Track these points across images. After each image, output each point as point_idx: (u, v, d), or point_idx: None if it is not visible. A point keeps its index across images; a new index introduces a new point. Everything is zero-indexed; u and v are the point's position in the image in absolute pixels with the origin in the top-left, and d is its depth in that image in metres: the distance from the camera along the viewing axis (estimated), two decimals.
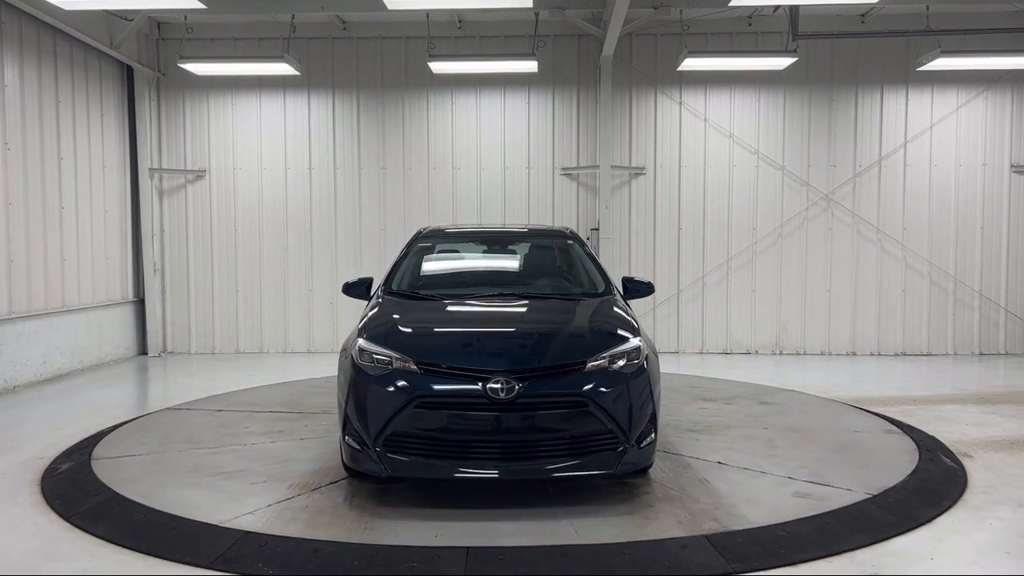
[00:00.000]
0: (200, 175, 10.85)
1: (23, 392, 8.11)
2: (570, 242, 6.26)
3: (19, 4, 8.08)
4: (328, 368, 9.28)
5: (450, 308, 5.22)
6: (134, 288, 10.73)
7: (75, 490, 4.81)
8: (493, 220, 10.76)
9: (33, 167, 8.65)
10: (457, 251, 6.37)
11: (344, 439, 4.50)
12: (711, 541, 3.94)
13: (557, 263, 6.19)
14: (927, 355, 10.66)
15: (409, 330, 4.78)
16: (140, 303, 10.76)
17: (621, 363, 4.44)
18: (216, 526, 4.15)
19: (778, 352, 10.74)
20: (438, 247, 6.21)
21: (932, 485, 4.87)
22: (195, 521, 4.22)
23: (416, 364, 4.34)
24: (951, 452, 5.64)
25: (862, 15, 10.24)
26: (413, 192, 10.81)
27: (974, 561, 3.79)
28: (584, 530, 4.11)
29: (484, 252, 6.40)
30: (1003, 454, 5.63)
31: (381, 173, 10.82)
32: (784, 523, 4.17)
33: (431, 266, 6.04)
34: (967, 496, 4.71)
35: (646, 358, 4.58)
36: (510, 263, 6.26)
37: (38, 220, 8.72)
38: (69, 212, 9.27)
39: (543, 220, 10.76)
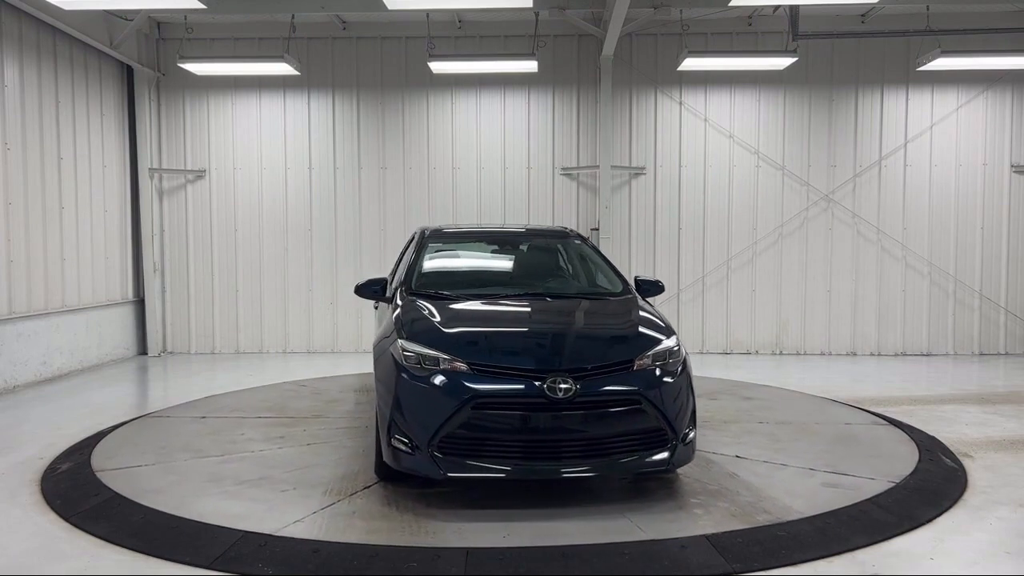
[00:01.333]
0: (200, 175, 10.85)
1: (23, 392, 8.11)
2: (577, 242, 6.37)
3: (19, 4, 8.08)
4: (321, 369, 9.31)
5: (485, 308, 5.18)
6: (134, 288, 10.73)
7: (75, 490, 4.81)
8: (493, 220, 10.76)
9: (33, 167, 8.65)
10: (469, 251, 6.36)
11: (390, 441, 4.38)
12: (711, 541, 3.94)
13: (571, 263, 6.26)
14: (927, 355, 10.66)
15: (454, 330, 4.67)
16: (140, 303, 10.76)
17: (665, 361, 4.54)
18: (216, 526, 4.15)
19: (778, 352, 10.74)
20: (449, 247, 6.19)
21: (932, 485, 4.87)
22: (195, 521, 4.22)
23: (468, 364, 4.31)
24: (951, 452, 5.64)
25: (862, 15, 10.24)
26: (413, 192, 10.81)
27: (974, 561, 3.79)
28: (646, 526, 4.16)
29: (496, 252, 6.38)
30: (1003, 454, 5.63)
31: (381, 173, 10.82)
32: (784, 523, 4.18)
33: (447, 266, 6.03)
34: (967, 496, 4.71)
35: (684, 356, 4.72)
36: (524, 262, 6.29)
37: (38, 220, 8.72)
38: (69, 212, 9.26)
39: (543, 220, 10.75)
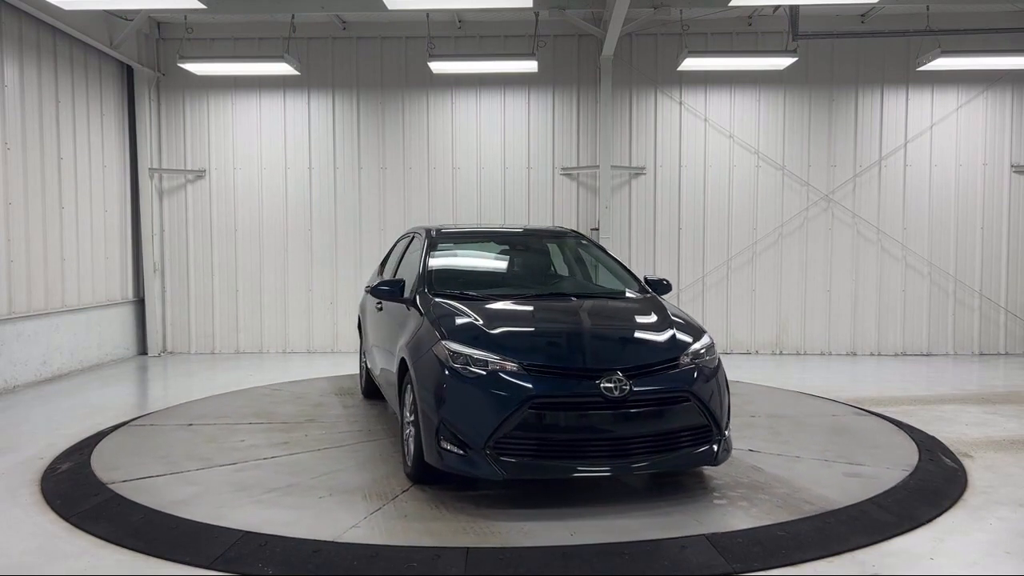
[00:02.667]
0: (200, 175, 10.85)
1: (23, 392, 8.11)
2: (584, 242, 6.45)
3: (19, 4, 8.08)
4: (321, 369, 9.30)
5: (519, 308, 5.17)
6: (134, 288, 10.73)
7: (75, 490, 4.81)
8: (493, 220, 10.76)
9: (33, 167, 8.65)
10: (480, 252, 6.35)
11: (438, 443, 4.36)
12: (711, 541, 3.94)
13: (582, 263, 6.33)
14: (927, 355, 10.66)
15: (500, 331, 4.63)
16: (140, 303, 10.76)
17: (704, 359, 4.66)
18: (216, 526, 4.15)
19: (778, 352, 10.74)
20: (459, 248, 6.18)
21: (932, 485, 4.87)
22: (195, 521, 4.21)
23: (521, 365, 4.32)
24: (951, 452, 5.64)
25: (862, 15, 10.24)
26: (413, 192, 10.81)
27: (974, 561, 3.79)
28: (705, 519, 4.24)
29: (506, 252, 6.37)
30: (1003, 454, 5.63)
31: (381, 173, 10.82)
32: (784, 523, 4.18)
33: (461, 266, 6.03)
34: (967, 496, 4.71)
35: (718, 354, 4.87)
36: (537, 263, 6.34)
37: (38, 220, 8.72)
38: (69, 212, 9.27)
39: (543, 220, 10.75)
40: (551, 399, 4.25)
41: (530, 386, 4.24)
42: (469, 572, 3.63)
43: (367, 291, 7.12)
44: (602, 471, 4.33)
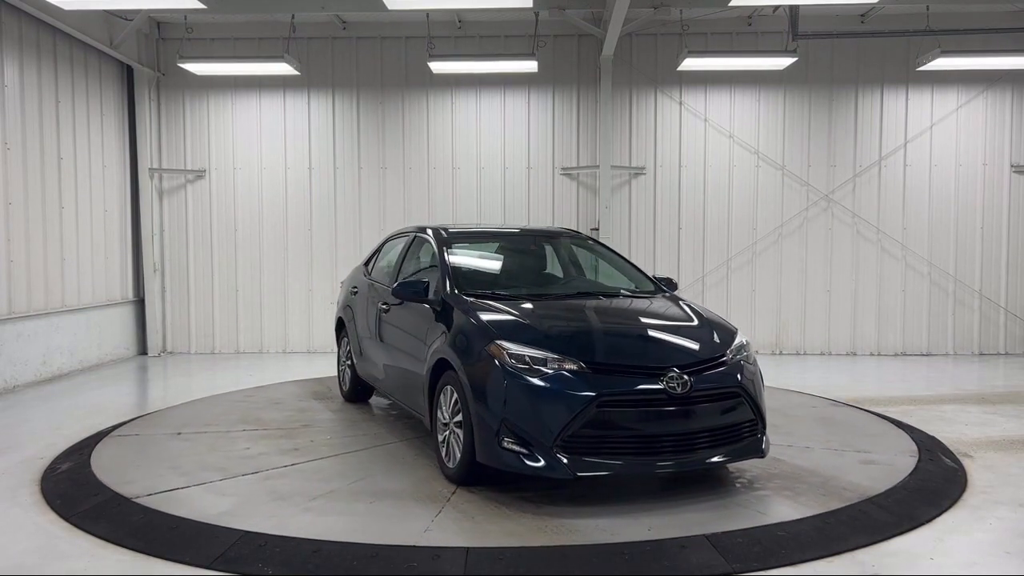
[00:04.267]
0: (200, 175, 10.85)
1: (23, 392, 8.11)
2: (591, 242, 6.59)
3: (19, 4, 8.08)
4: (322, 369, 9.28)
5: (560, 307, 5.21)
6: (134, 288, 10.73)
7: (75, 490, 4.80)
8: (493, 220, 10.76)
9: (33, 167, 8.65)
10: (494, 252, 6.31)
11: (500, 443, 4.36)
12: (711, 541, 3.94)
13: (596, 263, 6.41)
14: (927, 355, 10.66)
15: (557, 330, 4.70)
16: (140, 303, 10.76)
17: (744, 355, 4.82)
18: (216, 526, 4.14)
19: (778, 352, 10.74)
20: (473, 248, 6.15)
21: (932, 485, 4.87)
22: (195, 521, 4.21)
23: (585, 364, 4.37)
24: (951, 452, 5.64)
25: (862, 15, 10.24)
26: (413, 192, 10.81)
27: (974, 561, 3.79)
28: (767, 509, 4.38)
29: (521, 252, 6.37)
30: (1003, 454, 5.63)
31: (381, 173, 10.82)
32: (784, 523, 4.18)
33: (483, 267, 6.02)
34: (967, 496, 4.72)
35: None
36: (554, 263, 6.39)
37: (38, 220, 8.72)
38: (69, 212, 9.26)
39: (543, 220, 10.75)
40: (619, 397, 4.31)
41: (597, 384, 4.30)
42: (469, 572, 3.63)
43: (351, 292, 7.03)
44: (669, 466, 4.43)
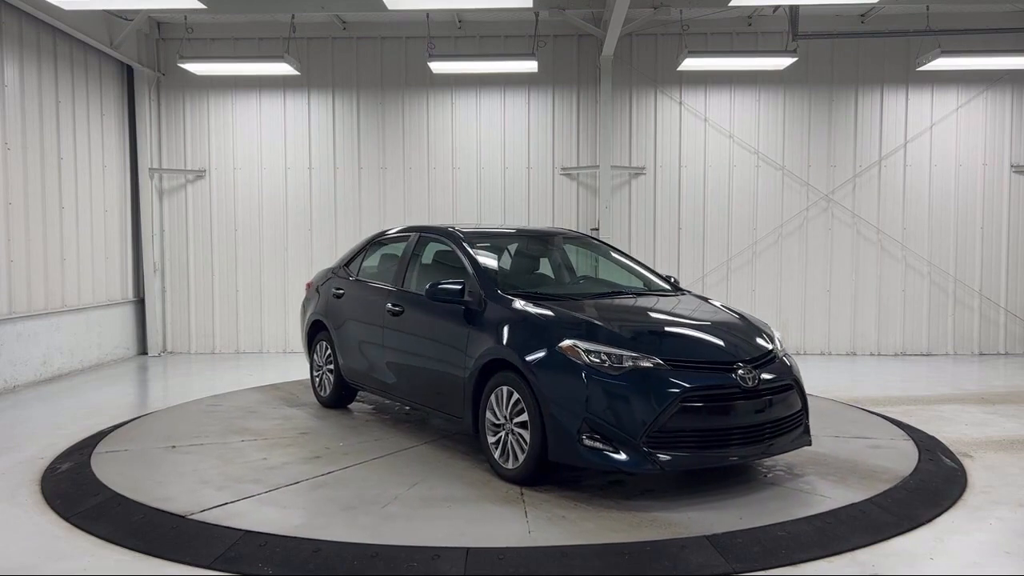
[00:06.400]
0: (200, 175, 10.85)
1: (23, 392, 8.11)
2: (596, 242, 6.71)
3: (19, 4, 8.08)
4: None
5: (614, 305, 5.32)
6: (134, 288, 10.73)
7: (75, 490, 4.80)
8: (493, 220, 10.76)
9: (33, 167, 8.65)
10: (517, 253, 6.29)
11: (580, 441, 4.37)
12: (711, 541, 3.94)
13: (613, 262, 6.47)
14: (927, 355, 10.66)
15: (626, 329, 4.75)
16: (140, 303, 10.76)
17: (783, 349, 5.05)
18: (216, 525, 4.14)
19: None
20: (493, 249, 6.11)
21: (932, 485, 4.87)
22: (195, 521, 4.21)
23: (663, 361, 4.47)
24: (951, 452, 5.64)
25: (862, 15, 10.24)
26: (413, 192, 10.81)
27: (974, 561, 3.79)
28: (829, 492, 4.62)
29: (540, 253, 6.37)
30: (1003, 454, 5.63)
31: (381, 173, 10.82)
32: (784, 523, 4.17)
33: (512, 267, 6.03)
34: (967, 496, 4.72)
35: None
36: (575, 263, 6.47)
37: (38, 220, 8.72)
38: (69, 212, 9.27)
39: (544, 220, 10.75)
40: (701, 392, 4.41)
41: (680, 381, 4.40)
42: (469, 572, 3.63)
43: (334, 295, 6.81)
44: (742, 457, 4.61)
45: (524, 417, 4.68)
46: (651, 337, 4.80)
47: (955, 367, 9.77)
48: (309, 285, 7.52)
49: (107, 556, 3.87)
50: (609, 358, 4.46)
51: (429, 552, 3.82)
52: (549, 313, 4.91)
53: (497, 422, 4.90)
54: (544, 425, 4.53)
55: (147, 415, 6.83)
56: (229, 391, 7.84)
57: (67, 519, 4.35)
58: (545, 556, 3.79)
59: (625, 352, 4.49)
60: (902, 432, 6.06)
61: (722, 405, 4.48)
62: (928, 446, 5.72)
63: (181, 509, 4.36)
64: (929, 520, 4.30)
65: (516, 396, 4.74)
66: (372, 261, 6.85)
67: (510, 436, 4.81)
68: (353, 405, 7.06)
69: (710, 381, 4.47)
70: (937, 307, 10.71)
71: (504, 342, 4.90)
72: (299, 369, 9.33)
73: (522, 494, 4.62)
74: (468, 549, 3.84)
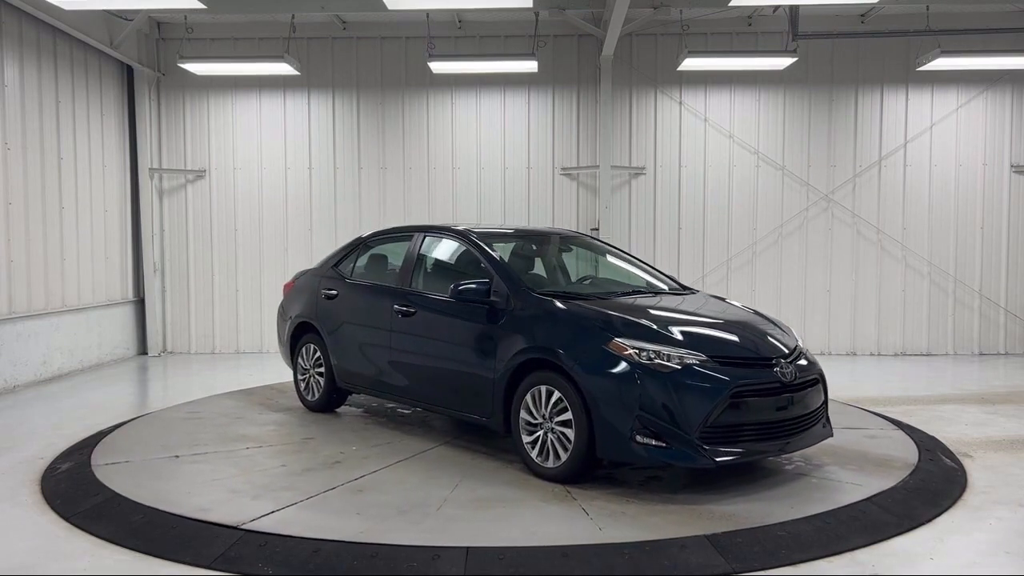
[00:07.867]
0: (200, 175, 10.85)
1: (23, 392, 8.11)
2: (606, 245, 6.83)
3: (19, 4, 8.08)
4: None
5: (646, 303, 5.39)
6: (134, 288, 10.73)
7: (75, 490, 4.80)
8: (494, 220, 10.76)
9: (33, 167, 8.65)
10: (528, 254, 6.23)
11: (632, 438, 4.41)
12: (711, 541, 3.94)
13: (622, 262, 6.53)
14: (927, 355, 10.66)
15: (671, 327, 4.80)
16: (140, 303, 10.76)
17: (803, 345, 5.18)
18: (217, 525, 4.14)
19: None
20: (507, 250, 6.09)
21: (932, 485, 4.87)
22: (195, 520, 4.21)
23: (710, 357, 4.56)
24: (951, 452, 5.64)
25: (862, 15, 10.24)
26: (413, 192, 10.81)
27: (974, 561, 3.79)
28: (863, 481, 4.80)
29: (554, 253, 6.36)
30: (1003, 454, 5.63)
31: (381, 173, 10.82)
32: (784, 523, 4.17)
33: (532, 268, 6.03)
34: (967, 496, 4.72)
35: None
36: (588, 263, 6.58)
37: (38, 220, 8.72)
38: (69, 212, 9.27)
39: (544, 220, 10.75)
40: (748, 387, 4.52)
41: (729, 377, 4.49)
42: (469, 572, 3.63)
43: (326, 296, 6.61)
44: (782, 449, 4.74)
45: (566, 416, 4.68)
46: (694, 334, 4.82)
47: (955, 367, 9.77)
48: (288, 286, 7.37)
49: (107, 556, 3.87)
50: (658, 355, 4.50)
51: (429, 552, 3.81)
52: (593, 311, 4.92)
53: (534, 421, 4.88)
54: (591, 423, 4.55)
55: (126, 423, 6.42)
56: (204, 396, 7.55)
57: (67, 519, 4.34)
58: (545, 556, 3.78)
59: (674, 350, 4.54)
60: (902, 432, 6.09)
61: (767, 399, 4.59)
62: (928, 446, 5.73)
63: (229, 520, 4.17)
64: (929, 520, 4.30)
65: (557, 395, 4.73)
66: (367, 262, 6.64)
67: (550, 435, 4.80)
68: (340, 409, 6.87)
69: (756, 376, 4.58)
70: (937, 307, 10.71)
71: (543, 342, 4.87)
72: (274, 372, 8.89)
73: (569, 492, 4.62)
74: (468, 549, 3.84)
